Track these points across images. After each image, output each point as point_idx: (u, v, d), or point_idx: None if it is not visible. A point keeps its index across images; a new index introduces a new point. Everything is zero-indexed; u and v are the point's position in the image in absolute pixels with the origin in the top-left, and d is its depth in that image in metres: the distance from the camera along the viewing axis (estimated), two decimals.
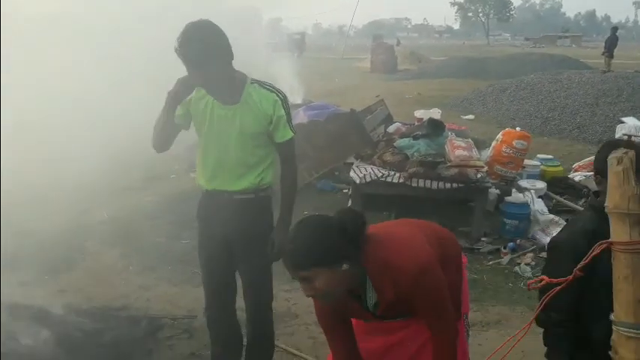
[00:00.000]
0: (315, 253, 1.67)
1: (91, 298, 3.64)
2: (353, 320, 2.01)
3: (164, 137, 2.41)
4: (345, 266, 1.70)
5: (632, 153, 1.38)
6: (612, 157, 1.39)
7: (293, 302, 3.66)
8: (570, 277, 1.54)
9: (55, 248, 4.08)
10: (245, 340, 2.71)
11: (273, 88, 2.40)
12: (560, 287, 1.55)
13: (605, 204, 1.41)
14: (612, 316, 1.39)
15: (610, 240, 1.40)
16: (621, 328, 1.37)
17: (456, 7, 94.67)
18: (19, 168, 3.86)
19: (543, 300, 1.62)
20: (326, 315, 1.94)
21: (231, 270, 2.58)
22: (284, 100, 2.38)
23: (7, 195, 3.73)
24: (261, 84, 2.38)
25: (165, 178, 6.86)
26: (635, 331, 1.34)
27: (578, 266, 1.50)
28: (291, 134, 2.40)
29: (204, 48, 2.16)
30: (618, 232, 1.38)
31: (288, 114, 2.39)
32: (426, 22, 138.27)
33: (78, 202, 4.66)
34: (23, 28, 3.75)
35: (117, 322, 3.17)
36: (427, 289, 1.78)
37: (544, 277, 1.66)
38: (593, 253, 1.44)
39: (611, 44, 17.45)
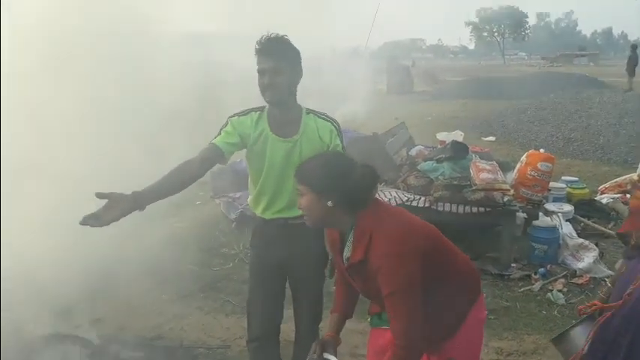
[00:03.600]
0: (311, 175, 1.92)
1: (126, 327, 3.69)
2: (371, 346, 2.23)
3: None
4: (329, 203, 1.89)
5: None
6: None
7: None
8: (620, 301, 1.54)
9: (89, 277, 4.14)
10: None
11: (328, 117, 2.51)
12: (609, 313, 1.56)
13: None
14: None
15: None
16: None
17: (470, 27, 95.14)
18: (56, 198, 3.96)
19: (595, 326, 1.62)
20: (339, 278, 2.23)
21: (282, 299, 2.64)
22: (339, 129, 2.50)
23: (46, 224, 3.83)
24: (317, 114, 2.49)
25: (191, 204, 6.94)
26: None
27: (628, 291, 1.50)
28: None
29: (285, 49, 2.33)
30: None
31: (342, 142, 2.49)
32: (440, 43, 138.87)
33: (108, 231, 4.73)
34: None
35: (153, 351, 3.20)
36: (391, 272, 1.81)
37: (596, 302, 1.67)
38: None
39: (630, 62, 17.35)
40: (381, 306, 2.01)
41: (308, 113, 2.47)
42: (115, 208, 1.99)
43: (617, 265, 4.62)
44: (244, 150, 2.51)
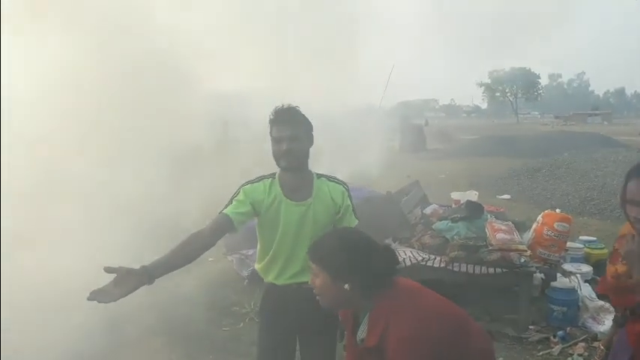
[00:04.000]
0: (327, 255, 1.81)
1: None
2: None
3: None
4: (346, 286, 1.79)
5: None
6: None
7: None
8: None
9: (98, 336, 4.09)
10: None
11: (338, 180, 2.57)
12: None
13: None
14: None
15: None
16: None
17: (482, 87, 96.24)
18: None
19: None
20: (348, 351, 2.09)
21: None
22: (348, 190, 2.55)
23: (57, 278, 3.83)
24: (327, 177, 2.55)
25: (204, 261, 6.90)
26: None
27: None
28: (356, 222, 2.53)
29: (300, 118, 2.40)
30: None
31: (352, 203, 2.54)
32: (453, 102, 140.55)
33: None
34: None
35: None
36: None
37: None
38: None
39: None
40: None
41: (319, 177, 2.53)
42: (123, 283, 1.98)
43: (609, 329, 4.45)
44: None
